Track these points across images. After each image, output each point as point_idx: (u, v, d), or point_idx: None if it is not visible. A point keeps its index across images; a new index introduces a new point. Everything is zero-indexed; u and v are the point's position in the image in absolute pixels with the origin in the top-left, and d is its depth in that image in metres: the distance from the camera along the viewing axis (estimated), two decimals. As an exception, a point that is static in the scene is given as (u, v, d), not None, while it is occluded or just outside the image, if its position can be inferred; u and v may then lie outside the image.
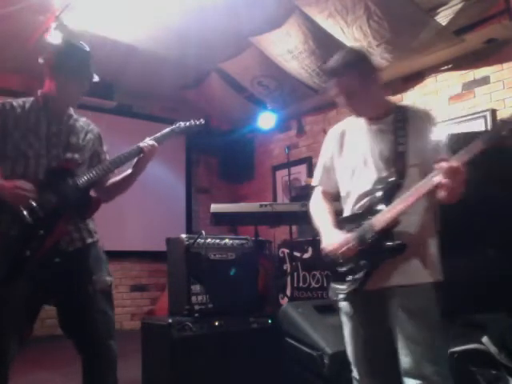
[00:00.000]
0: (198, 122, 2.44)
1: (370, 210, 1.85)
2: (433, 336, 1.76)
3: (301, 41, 4.29)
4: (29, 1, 3.95)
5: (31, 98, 2.13)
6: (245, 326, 3.01)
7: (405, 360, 1.76)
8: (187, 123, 2.41)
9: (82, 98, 2.16)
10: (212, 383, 2.81)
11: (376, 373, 1.91)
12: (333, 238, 1.91)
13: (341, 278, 1.91)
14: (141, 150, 2.18)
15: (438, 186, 1.64)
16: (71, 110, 2.20)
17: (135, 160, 2.21)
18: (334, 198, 2.12)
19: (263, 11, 4.12)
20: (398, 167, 1.81)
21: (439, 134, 1.86)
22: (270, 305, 4.66)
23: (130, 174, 2.24)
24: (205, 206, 5.93)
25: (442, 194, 1.64)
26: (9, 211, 1.94)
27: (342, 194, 2.03)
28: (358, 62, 1.89)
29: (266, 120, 5.78)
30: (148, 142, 2.21)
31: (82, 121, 2.23)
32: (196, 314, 2.90)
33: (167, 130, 2.34)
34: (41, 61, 2.10)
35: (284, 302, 4.68)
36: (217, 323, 2.90)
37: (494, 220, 2.80)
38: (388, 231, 1.77)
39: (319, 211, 2.07)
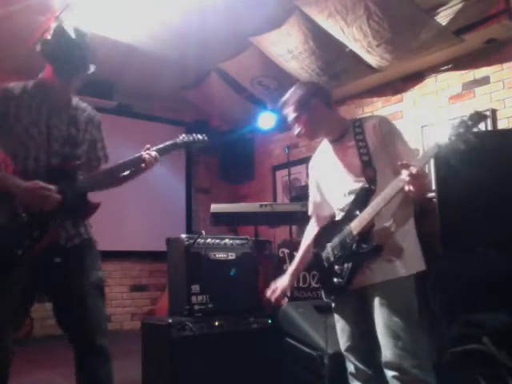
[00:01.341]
0: (200, 138, 2.40)
1: (348, 217, 2.00)
2: (413, 329, 1.85)
3: (301, 41, 4.29)
4: (29, 1, 3.96)
5: (32, 82, 2.10)
6: (245, 326, 3.01)
7: (385, 353, 1.87)
8: (190, 137, 2.37)
9: (78, 86, 2.14)
10: (212, 383, 2.81)
11: (365, 361, 2.02)
12: (280, 280, 2.23)
13: (329, 282, 2.05)
14: (143, 160, 2.18)
15: (403, 189, 1.77)
16: (73, 99, 2.18)
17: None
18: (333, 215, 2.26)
19: (263, 11, 4.12)
20: (367, 175, 1.95)
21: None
22: (270, 305, 4.66)
23: (125, 176, 2.25)
24: (205, 206, 5.93)
25: (409, 193, 1.76)
26: (6, 209, 1.94)
27: (334, 209, 2.16)
28: (308, 94, 2.09)
29: (266, 120, 5.78)
30: (151, 152, 2.20)
31: (83, 108, 2.21)
32: (196, 314, 2.90)
33: (169, 142, 2.31)
34: (38, 47, 2.07)
35: (284, 302, 4.68)
36: (217, 323, 2.90)
37: (494, 220, 2.80)
38: (365, 234, 1.91)
39: (301, 246, 2.29)
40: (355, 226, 1.93)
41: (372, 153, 1.96)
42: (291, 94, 2.14)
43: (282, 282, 2.23)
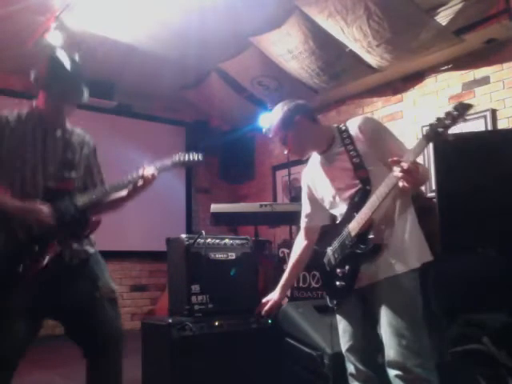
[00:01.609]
0: (196, 158, 2.38)
1: (346, 219, 2.01)
2: (416, 328, 1.84)
3: (301, 41, 4.29)
4: (29, 1, 3.95)
5: (25, 111, 2.11)
6: (245, 325, 3.01)
7: (388, 352, 1.86)
8: (186, 157, 2.34)
9: (71, 113, 2.14)
10: (212, 383, 2.81)
11: (365, 362, 2.01)
12: (271, 295, 2.30)
13: (333, 285, 2.04)
14: (141, 177, 2.17)
15: (397, 185, 1.76)
16: (67, 123, 2.18)
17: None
18: (319, 230, 2.26)
19: (263, 11, 4.12)
20: (360, 176, 1.96)
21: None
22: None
23: (124, 197, 2.25)
24: (205, 206, 5.93)
25: (404, 188, 1.76)
26: (3, 229, 1.96)
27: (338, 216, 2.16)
28: (288, 116, 2.09)
29: (266, 120, 5.77)
30: (149, 171, 2.19)
31: (77, 133, 2.21)
32: (196, 314, 2.90)
33: (168, 162, 2.29)
34: (32, 76, 2.06)
35: (284, 302, 4.68)
36: (217, 323, 2.90)
37: (494, 220, 2.80)
38: (363, 234, 1.91)
39: (289, 261, 2.33)
40: (353, 227, 1.93)
41: (362, 154, 1.97)
42: (273, 117, 2.15)
43: (272, 297, 2.30)
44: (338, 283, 2.01)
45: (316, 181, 2.18)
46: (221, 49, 4.77)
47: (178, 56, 4.87)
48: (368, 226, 1.89)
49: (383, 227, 1.92)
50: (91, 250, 2.16)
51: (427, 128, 1.68)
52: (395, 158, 1.73)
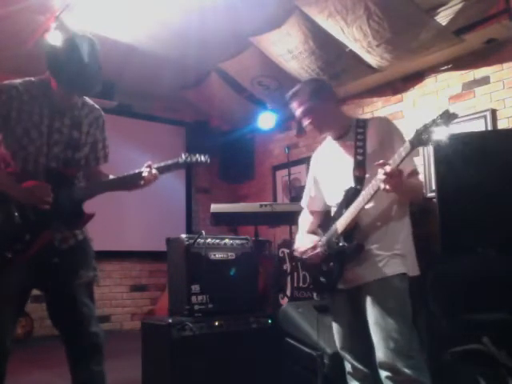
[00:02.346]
0: (203, 159, 2.31)
1: (335, 216, 2.05)
2: (405, 329, 1.85)
3: (301, 41, 4.29)
4: (29, 1, 3.95)
5: (37, 79, 2.07)
6: (245, 326, 3.01)
7: (379, 353, 1.87)
8: (193, 158, 2.28)
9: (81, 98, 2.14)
10: (212, 383, 2.81)
11: (362, 360, 2.03)
12: (303, 242, 2.16)
13: (318, 281, 2.08)
14: (142, 178, 2.15)
15: (380, 188, 1.79)
16: (76, 99, 2.14)
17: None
18: (323, 214, 2.29)
19: (263, 11, 4.12)
20: (356, 175, 1.98)
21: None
22: (269, 305, 4.66)
23: (123, 188, 2.25)
24: (205, 206, 5.93)
25: (386, 191, 1.78)
26: (0, 210, 1.96)
27: (331, 206, 2.18)
28: (318, 88, 2.12)
29: (266, 120, 5.77)
30: (151, 171, 2.16)
31: (88, 107, 2.19)
32: (196, 314, 2.90)
33: (171, 162, 2.25)
34: (45, 50, 2.04)
35: (284, 302, 4.68)
36: (217, 323, 2.90)
37: (494, 220, 2.80)
38: (349, 233, 1.94)
39: (301, 222, 2.34)
40: (340, 224, 1.97)
41: (368, 154, 1.98)
42: (302, 87, 2.14)
43: (308, 241, 2.13)
44: (322, 279, 2.05)
45: (323, 164, 2.21)
46: (221, 49, 4.77)
47: (178, 56, 4.87)
48: (353, 226, 1.93)
49: (373, 229, 1.95)
50: (80, 236, 2.16)
51: (413, 133, 1.70)
52: (381, 161, 1.76)
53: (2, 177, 1.98)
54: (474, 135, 3.32)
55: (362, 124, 2.07)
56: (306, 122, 2.12)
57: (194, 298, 2.95)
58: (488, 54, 4.12)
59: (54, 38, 4.06)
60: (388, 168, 1.72)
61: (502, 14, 3.67)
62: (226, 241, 3.20)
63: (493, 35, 3.93)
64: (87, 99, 2.21)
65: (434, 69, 4.53)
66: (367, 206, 1.90)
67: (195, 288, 2.97)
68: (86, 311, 2.11)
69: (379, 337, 1.86)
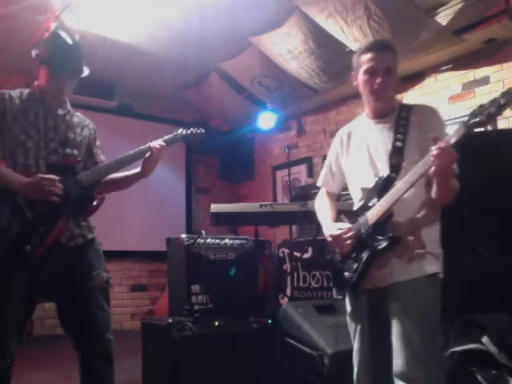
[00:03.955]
0: (198, 131, 2.43)
1: (364, 207, 1.88)
2: (428, 338, 1.72)
3: (301, 41, 4.29)
4: (29, 1, 3.96)
5: (27, 90, 2.12)
6: (245, 326, 3.00)
7: (396, 361, 1.73)
8: (188, 131, 2.39)
9: (72, 90, 2.16)
10: (212, 383, 2.81)
11: (372, 372, 1.89)
12: (333, 230, 1.94)
13: (341, 277, 1.93)
14: (149, 149, 2.18)
15: (430, 168, 1.64)
16: (68, 104, 2.20)
17: (142, 160, 2.21)
18: (337, 198, 2.19)
19: (263, 11, 4.12)
20: (392, 162, 1.83)
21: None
22: (269, 305, 4.66)
23: (138, 173, 2.23)
24: (205, 206, 5.92)
25: (432, 174, 1.65)
26: (9, 207, 1.95)
27: (351, 192, 2.05)
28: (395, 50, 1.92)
29: (266, 120, 5.78)
30: (157, 142, 2.22)
31: (78, 116, 2.25)
32: (196, 314, 2.90)
33: (169, 136, 2.32)
34: (34, 53, 2.09)
35: (284, 302, 4.68)
36: (217, 323, 2.90)
37: (495, 220, 2.80)
38: (381, 225, 1.78)
39: (322, 207, 2.13)
40: (372, 215, 1.81)
41: (408, 142, 1.83)
42: (392, 45, 1.92)
43: (338, 228, 1.94)
44: (346, 274, 1.89)
45: (351, 145, 2.03)
46: (221, 49, 4.78)
47: (178, 56, 4.87)
48: (388, 217, 1.77)
49: (407, 221, 1.79)
50: (90, 235, 2.15)
51: (467, 116, 1.55)
52: (436, 136, 1.61)
53: (8, 174, 1.98)
54: (474, 135, 3.31)
55: (406, 109, 1.90)
56: (379, 79, 1.85)
57: (193, 298, 2.94)
58: (488, 53, 4.13)
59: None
60: (443, 143, 1.56)
61: (501, 13, 3.67)
62: (226, 241, 3.19)
63: (493, 35, 3.93)
64: (78, 113, 2.25)
65: (434, 69, 4.54)
66: (404, 197, 1.73)
67: (195, 288, 2.96)
68: (101, 315, 2.09)
69: (400, 343, 1.72)
